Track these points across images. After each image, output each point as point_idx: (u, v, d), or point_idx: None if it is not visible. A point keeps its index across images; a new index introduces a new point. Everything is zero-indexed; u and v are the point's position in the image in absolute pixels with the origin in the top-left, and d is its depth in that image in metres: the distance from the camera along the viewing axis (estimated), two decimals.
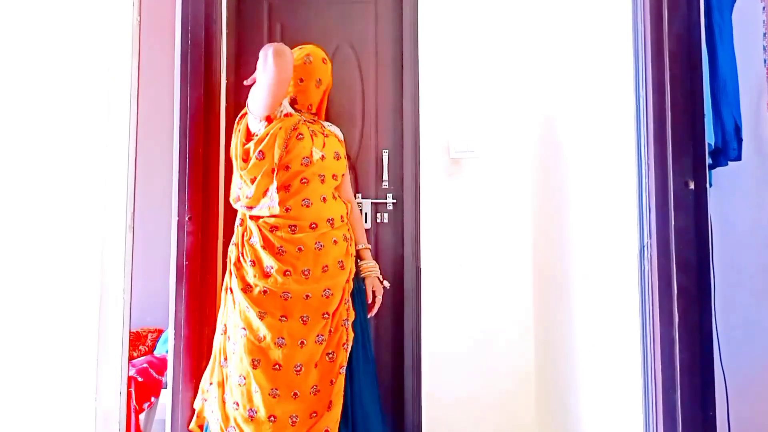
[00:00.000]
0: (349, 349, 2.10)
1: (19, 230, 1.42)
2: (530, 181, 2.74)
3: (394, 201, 2.72)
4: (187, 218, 2.27)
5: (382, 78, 2.78)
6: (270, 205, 2.03)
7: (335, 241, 2.09)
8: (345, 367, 2.07)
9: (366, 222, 2.69)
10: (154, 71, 2.33)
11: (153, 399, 2.51)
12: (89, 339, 1.43)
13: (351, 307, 2.14)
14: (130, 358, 2.43)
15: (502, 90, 2.77)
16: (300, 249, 2.03)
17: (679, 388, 1.63)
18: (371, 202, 2.71)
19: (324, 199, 2.10)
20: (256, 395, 1.95)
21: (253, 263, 2.03)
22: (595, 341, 2.17)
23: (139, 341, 2.81)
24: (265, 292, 2.00)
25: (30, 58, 1.43)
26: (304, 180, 2.06)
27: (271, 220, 2.04)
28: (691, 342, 1.63)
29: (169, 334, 2.26)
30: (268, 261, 2.02)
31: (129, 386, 2.08)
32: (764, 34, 2.18)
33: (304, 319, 2.01)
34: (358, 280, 2.24)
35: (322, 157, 2.10)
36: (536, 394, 2.67)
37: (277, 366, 1.98)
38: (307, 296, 2.02)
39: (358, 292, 2.22)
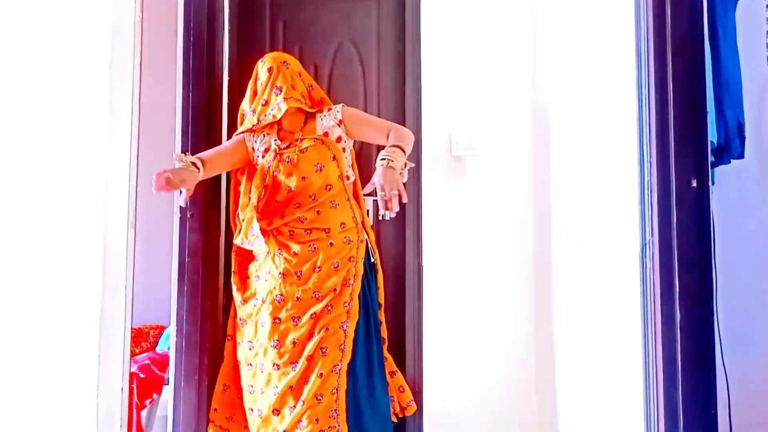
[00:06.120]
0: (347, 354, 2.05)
1: (21, 227, 1.42)
2: (532, 178, 2.74)
3: None
4: (189, 215, 2.27)
5: (384, 76, 2.77)
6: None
7: (331, 244, 2.10)
8: (339, 367, 2.03)
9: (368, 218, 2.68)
10: (155, 68, 2.33)
11: (155, 395, 2.51)
12: (91, 335, 1.43)
13: (352, 310, 2.09)
14: (132, 354, 2.43)
15: (505, 88, 2.76)
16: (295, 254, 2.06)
17: (681, 386, 1.63)
18: (373, 200, 2.70)
19: (318, 212, 2.12)
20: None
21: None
22: (597, 338, 2.17)
23: (141, 338, 2.82)
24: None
25: (31, 55, 1.43)
26: (297, 205, 2.11)
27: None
28: (693, 340, 1.63)
29: (171, 330, 2.26)
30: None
31: (131, 383, 2.08)
32: (767, 33, 2.17)
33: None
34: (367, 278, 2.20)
35: (303, 178, 2.10)
36: (537, 390, 2.67)
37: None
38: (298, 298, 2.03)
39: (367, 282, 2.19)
